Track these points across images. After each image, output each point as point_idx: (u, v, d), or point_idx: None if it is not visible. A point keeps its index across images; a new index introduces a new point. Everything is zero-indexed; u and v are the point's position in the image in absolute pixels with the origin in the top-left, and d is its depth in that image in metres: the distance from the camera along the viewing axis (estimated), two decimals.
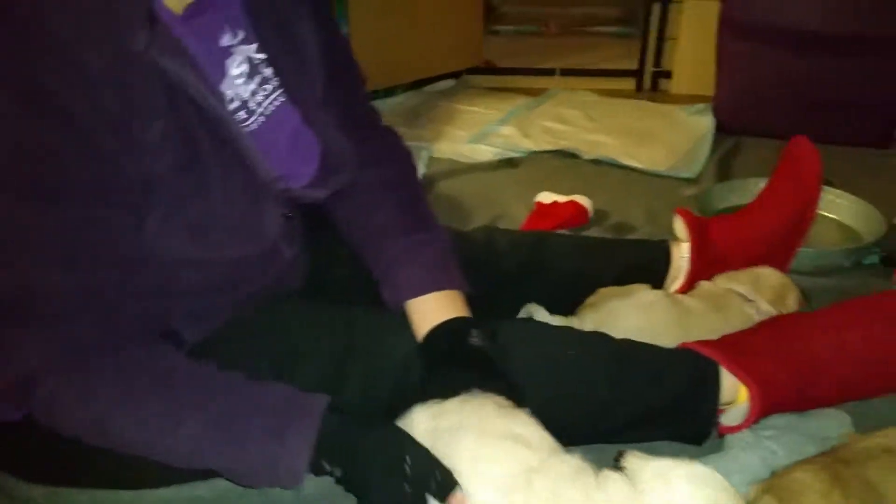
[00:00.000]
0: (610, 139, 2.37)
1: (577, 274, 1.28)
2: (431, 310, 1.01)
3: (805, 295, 1.31)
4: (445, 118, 2.62)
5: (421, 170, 2.09)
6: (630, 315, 1.18)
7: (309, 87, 1.00)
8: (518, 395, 0.91)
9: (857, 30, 2.15)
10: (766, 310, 1.23)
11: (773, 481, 0.91)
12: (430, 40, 2.90)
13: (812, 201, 1.41)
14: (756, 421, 1.05)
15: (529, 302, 1.24)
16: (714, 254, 1.34)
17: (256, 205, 0.94)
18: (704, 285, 1.29)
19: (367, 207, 1.11)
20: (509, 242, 1.29)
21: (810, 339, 1.10)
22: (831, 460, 0.93)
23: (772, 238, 1.38)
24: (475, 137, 2.41)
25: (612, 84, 2.96)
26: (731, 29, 2.32)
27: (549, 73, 3.04)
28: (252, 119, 0.94)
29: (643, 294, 1.22)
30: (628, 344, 1.09)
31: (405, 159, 1.19)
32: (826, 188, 1.80)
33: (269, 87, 0.96)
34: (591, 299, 1.23)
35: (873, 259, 1.59)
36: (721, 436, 1.08)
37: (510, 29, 3.63)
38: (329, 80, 1.02)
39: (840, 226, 1.76)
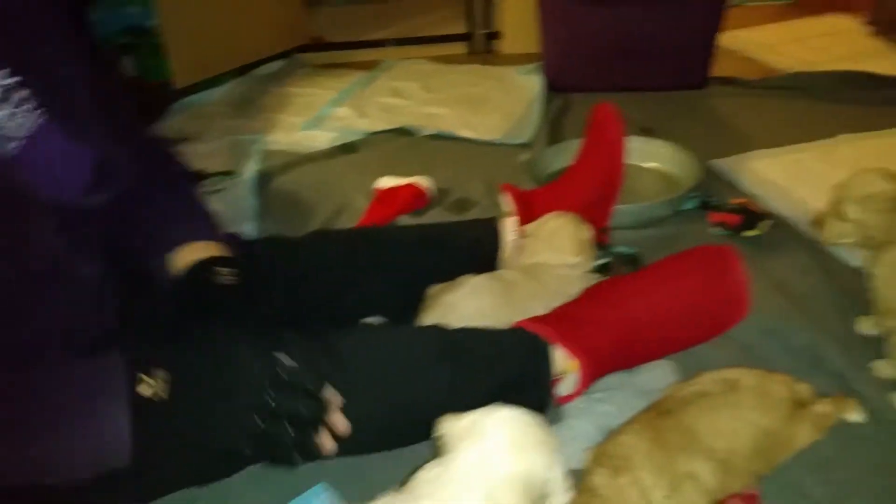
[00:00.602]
0: (447, 110, 2.37)
1: (413, 271, 1.29)
2: (183, 259, 1.05)
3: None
4: (277, 105, 2.51)
5: (253, 167, 1.99)
6: (462, 304, 1.21)
7: (68, 104, 0.97)
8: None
9: None
10: (573, 261, 1.30)
11: (603, 448, 0.96)
12: (252, 21, 2.74)
13: (617, 164, 1.48)
14: (586, 388, 1.12)
15: (368, 307, 1.23)
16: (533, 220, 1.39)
17: (18, 222, 0.90)
18: (519, 260, 1.35)
19: (140, 205, 1.10)
20: (341, 248, 1.28)
21: (628, 303, 1.17)
22: (654, 414, 1.00)
23: (587, 202, 1.44)
24: (309, 123, 2.33)
25: (445, 49, 2.96)
26: None
27: (381, 44, 2.99)
28: (12, 144, 0.90)
29: (470, 281, 1.25)
30: (462, 333, 1.11)
31: (178, 167, 1.20)
32: (647, 139, 1.91)
33: (27, 107, 0.92)
34: (425, 303, 1.24)
35: (692, 205, 1.70)
36: (558, 405, 1.13)
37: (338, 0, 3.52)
38: (93, 93, 1.00)
39: (662, 174, 1.86)
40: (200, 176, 1.90)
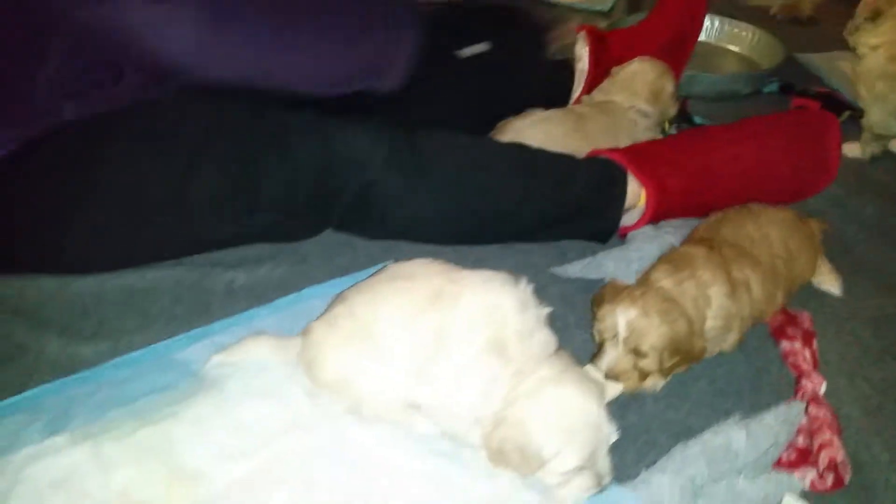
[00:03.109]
0: None
1: (486, 99, 1.29)
2: None
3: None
4: None
5: None
6: (531, 131, 1.20)
7: None
8: None
9: None
10: (644, 109, 1.29)
11: (668, 255, 0.99)
12: None
13: (698, 14, 1.46)
14: (649, 221, 1.12)
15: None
16: (610, 62, 1.37)
17: None
18: (591, 97, 1.34)
19: None
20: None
21: (708, 152, 1.15)
22: (697, 238, 1.03)
23: (664, 45, 1.41)
24: None
25: None
26: None
27: None
28: None
29: (538, 112, 1.24)
30: (540, 152, 1.11)
31: None
32: (728, 20, 1.83)
33: None
34: (495, 131, 1.24)
35: (772, 88, 1.65)
36: (623, 236, 1.14)
37: None
38: None
39: (741, 57, 1.80)
40: None
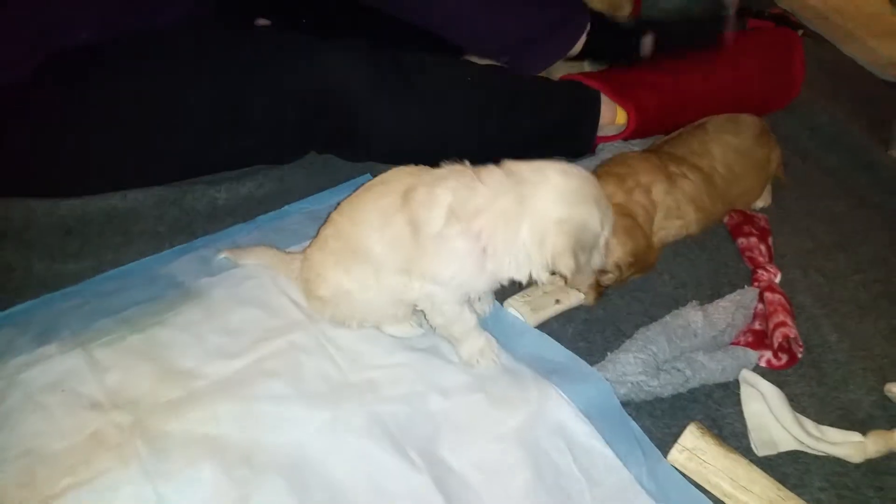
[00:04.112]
0: None
1: None
2: None
3: None
4: None
5: None
6: None
7: None
8: None
9: None
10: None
11: (608, 165, 1.03)
12: None
13: None
14: (628, 138, 1.18)
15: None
16: None
17: None
18: None
19: None
20: None
21: (682, 72, 1.20)
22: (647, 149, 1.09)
23: None
24: None
25: None
26: None
27: None
28: None
29: None
30: (519, 77, 1.15)
31: None
32: None
33: None
34: None
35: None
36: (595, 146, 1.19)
37: None
38: None
39: None
40: None
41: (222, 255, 0.94)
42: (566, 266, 0.72)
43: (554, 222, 0.72)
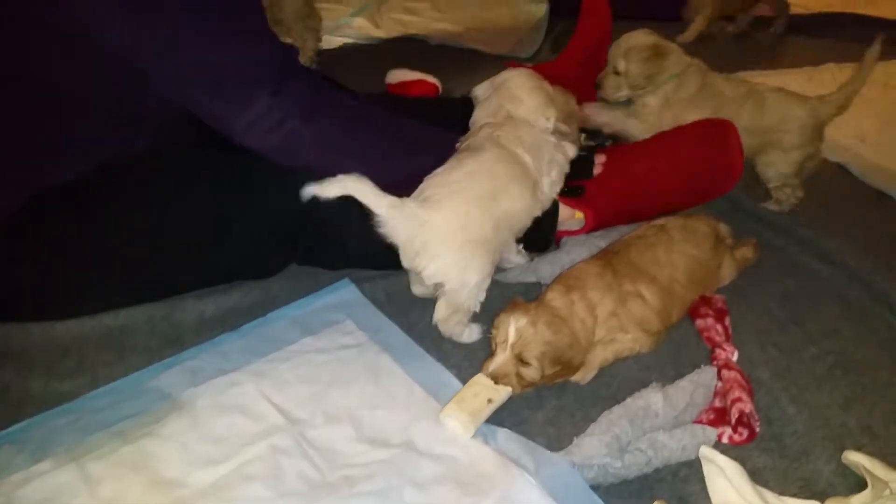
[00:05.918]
0: (456, 27, 2.47)
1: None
2: None
3: None
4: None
5: None
6: None
7: None
8: None
9: None
10: (562, 129, 1.30)
11: (563, 274, 1.08)
12: None
13: (606, 35, 1.67)
14: (589, 231, 1.28)
15: None
16: None
17: None
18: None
19: None
20: None
21: (631, 167, 1.31)
22: (605, 252, 1.14)
23: (577, 73, 1.60)
24: (328, 28, 2.42)
25: None
26: None
27: None
28: None
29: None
30: None
31: None
32: None
33: None
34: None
35: None
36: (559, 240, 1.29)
37: None
38: None
39: None
40: None
41: (309, 190, 0.96)
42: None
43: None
